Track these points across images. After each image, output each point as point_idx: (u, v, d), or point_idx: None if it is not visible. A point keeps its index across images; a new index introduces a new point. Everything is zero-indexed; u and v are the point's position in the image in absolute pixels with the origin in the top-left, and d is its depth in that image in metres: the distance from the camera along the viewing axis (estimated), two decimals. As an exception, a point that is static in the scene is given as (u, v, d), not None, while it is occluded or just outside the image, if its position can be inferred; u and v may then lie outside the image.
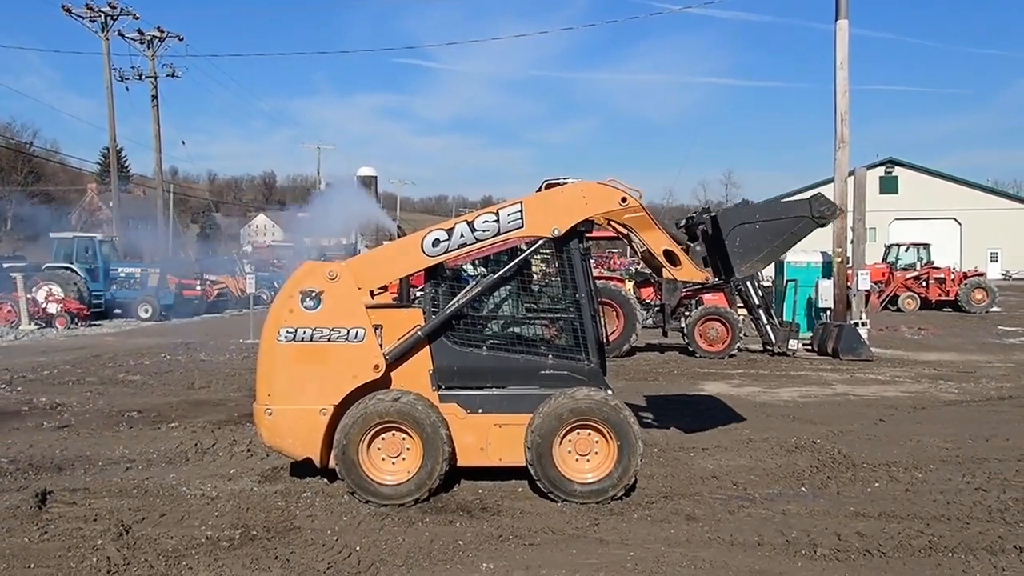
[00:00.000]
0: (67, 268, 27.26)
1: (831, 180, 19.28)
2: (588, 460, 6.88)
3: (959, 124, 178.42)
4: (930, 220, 57.84)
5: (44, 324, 24.34)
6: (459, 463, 7.01)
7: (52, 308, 24.84)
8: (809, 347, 18.13)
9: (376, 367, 6.89)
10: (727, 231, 7.33)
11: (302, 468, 7.53)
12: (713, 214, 7.62)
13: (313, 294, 6.92)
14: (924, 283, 31.67)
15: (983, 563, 5.50)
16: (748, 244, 7.35)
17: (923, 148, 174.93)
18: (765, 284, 19.89)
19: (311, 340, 6.89)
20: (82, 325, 25.10)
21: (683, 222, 8.13)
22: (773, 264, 18.90)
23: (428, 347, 7.09)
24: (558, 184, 7.82)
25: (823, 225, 7.63)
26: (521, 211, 6.99)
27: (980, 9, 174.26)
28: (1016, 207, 61.44)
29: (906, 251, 33.70)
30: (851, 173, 18.72)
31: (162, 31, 41.12)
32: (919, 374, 14.73)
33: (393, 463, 6.88)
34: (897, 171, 61.66)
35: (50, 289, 25.78)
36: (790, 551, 5.74)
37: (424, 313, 7.18)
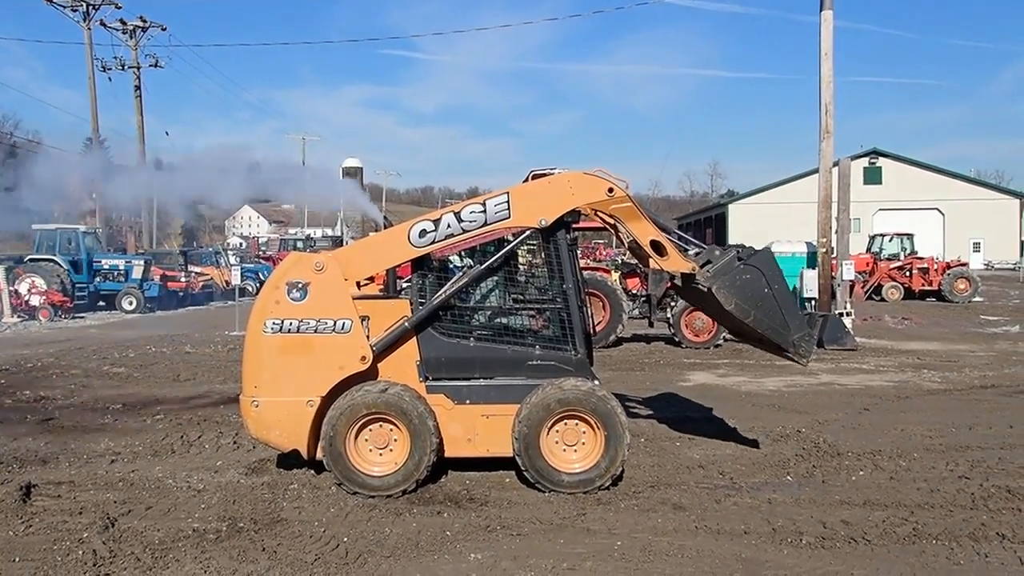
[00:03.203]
0: (50, 260, 27.00)
1: (816, 171, 19.36)
2: (575, 450, 6.90)
3: (942, 115, 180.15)
4: (913, 210, 58.16)
5: (27, 317, 24.15)
6: (446, 454, 7.01)
7: (35, 300, 24.62)
8: (794, 337, 18.19)
9: (363, 358, 6.88)
10: (751, 263, 7.33)
11: (289, 460, 7.51)
12: (764, 248, 7.65)
13: (300, 285, 6.89)
14: (908, 273, 31.84)
15: (966, 550, 5.55)
16: (746, 286, 7.30)
17: (907, 139, 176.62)
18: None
19: (298, 331, 6.86)
20: (65, 317, 24.91)
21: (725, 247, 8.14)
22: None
23: (415, 338, 7.08)
24: (545, 174, 7.79)
25: (785, 355, 7.63)
26: (508, 202, 6.98)
27: (963, 2, 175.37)
28: (998, 197, 61.92)
29: (890, 241, 33.88)
30: (835, 164, 18.80)
31: (145, 21, 40.75)
32: (903, 363, 14.84)
33: (380, 454, 6.88)
34: (881, 162, 61.95)
35: (33, 281, 25.53)
36: (776, 539, 5.78)
37: (411, 304, 7.16)
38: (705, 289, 7.36)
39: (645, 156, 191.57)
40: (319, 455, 6.92)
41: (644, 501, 6.66)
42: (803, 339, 7.49)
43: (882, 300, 30.84)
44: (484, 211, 6.97)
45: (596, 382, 7.08)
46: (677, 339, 17.27)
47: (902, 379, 13.08)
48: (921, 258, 32.90)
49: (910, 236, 34.21)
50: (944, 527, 5.98)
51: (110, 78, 40.37)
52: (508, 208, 6.98)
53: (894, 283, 31.59)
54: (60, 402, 11.19)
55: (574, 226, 7.65)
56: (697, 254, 7.65)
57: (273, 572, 5.25)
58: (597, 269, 19.72)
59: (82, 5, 36.95)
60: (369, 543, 5.74)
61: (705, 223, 74.89)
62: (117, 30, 40.03)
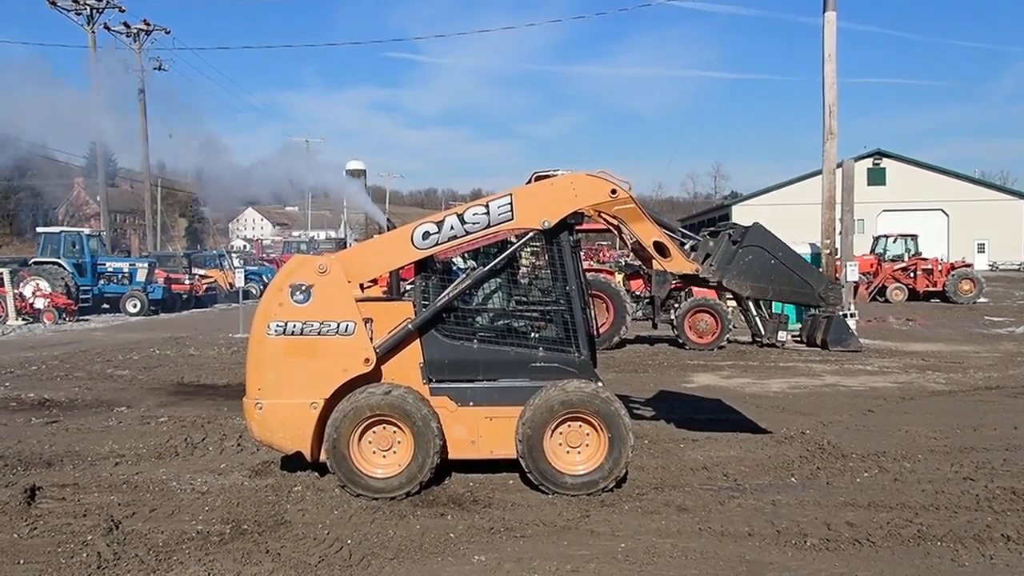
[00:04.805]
0: (55, 263, 27.09)
1: (820, 172, 19.34)
2: (579, 452, 6.89)
3: (946, 116, 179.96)
4: (918, 211, 58.03)
5: (31, 319, 24.20)
6: (450, 456, 7.00)
7: (39, 303, 24.69)
8: (798, 338, 18.19)
9: (367, 360, 6.87)
10: (747, 244, 7.34)
11: (292, 462, 7.51)
12: (750, 225, 7.65)
13: (303, 287, 6.90)
14: (912, 274, 31.79)
15: (971, 552, 5.54)
16: (754, 266, 7.35)
17: (911, 140, 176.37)
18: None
19: (301, 334, 6.86)
20: (70, 320, 24.97)
21: (712, 227, 8.16)
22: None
23: (418, 340, 7.08)
24: (548, 176, 7.79)
25: (818, 307, 7.72)
26: (511, 203, 6.97)
27: (966, 3, 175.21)
28: (1003, 198, 61.74)
29: (894, 242, 33.83)
30: (839, 165, 18.80)
31: (148, 24, 40.82)
32: (907, 365, 14.81)
33: (384, 456, 6.87)
34: (885, 163, 61.80)
35: (37, 284, 25.61)
36: (780, 541, 5.77)
37: (414, 306, 7.16)
38: (714, 284, 7.40)
39: (648, 158, 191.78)
40: (323, 457, 6.91)
41: (648, 503, 6.65)
42: (827, 290, 7.56)
43: (886, 301, 30.80)
44: (487, 213, 6.97)
45: (600, 384, 7.07)
46: (681, 341, 17.26)
47: (906, 380, 13.05)
48: (925, 259, 32.83)
49: (914, 237, 34.15)
50: (949, 529, 5.96)
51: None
52: (511, 210, 6.97)
53: (898, 284, 31.54)
54: (64, 404, 11.21)
55: (577, 227, 7.64)
56: (693, 247, 7.63)
57: (277, 574, 5.26)
58: (600, 271, 19.72)
59: (86, 8, 37.00)
60: (373, 545, 5.74)
61: (709, 224, 74.35)
62: (121, 33, 40.13)
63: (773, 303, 19.13)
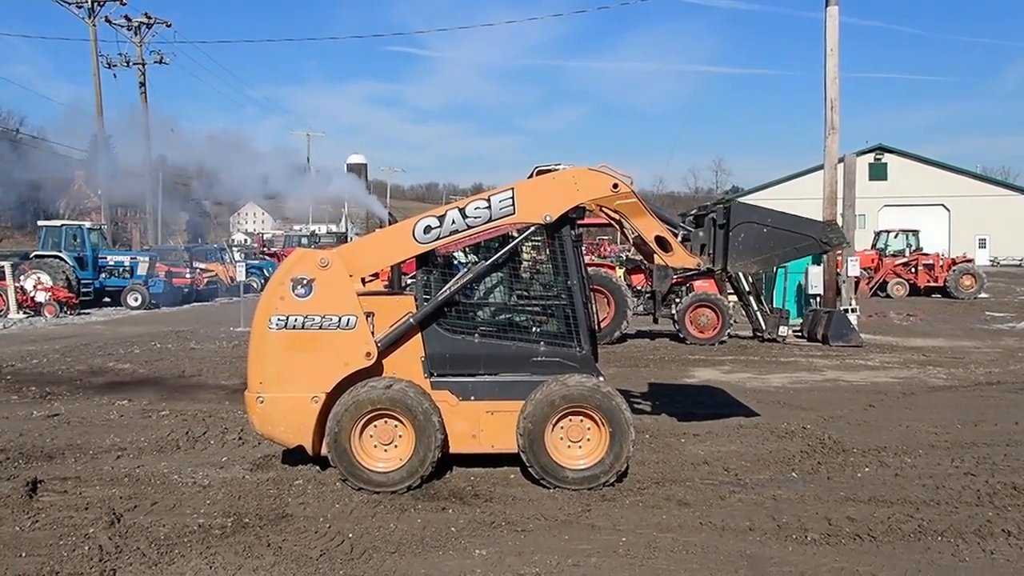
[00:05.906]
0: (56, 256, 27.07)
1: (821, 167, 19.32)
2: (580, 447, 6.89)
3: (948, 111, 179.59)
4: (919, 207, 58.03)
5: (33, 313, 24.20)
6: (451, 450, 7.01)
7: (41, 297, 24.68)
8: (799, 333, 18.18)
9: (368, 354, 6.88)
10: (735, 224, 7.32)
11: (294, 456, 7.52)
12: (727, 204, 7.63)
13: (304, 281, 6.90)
14: (913, 269, 31.77)
15: (972, 547, 5.54)
16: (750, 243, 7.34)
17: (912, 135, 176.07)
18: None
19: (302, 328, 6.87)
20: (71, 314, 24.96)
21: (694, 210, 8.15)
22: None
23: (420, 334, 7.07)
24: (549, 171, 7.78)
25: (826, 252, 7.70)
26: (513, 197, 6.97)
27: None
28: (1004, 194, 61.72)
29: (895, 237, 33.80)
30: (841, 159, 18.77)
31: (149, 17, 40.77)
32: (908, 360, 14.80)
33: (385, 450, 6.88)
34: (886, 158, 61.78)
35: (38, 277, 25.59)
36: (781, 536, 5.77)
37: (416, 300, 7.16)
38: (719, 271, 7.43)
39: (649, 152, 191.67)
40: (324, 451, 6.92)
41: (649, 497, 6.65)
42: (827, 232, 7.56)
43: (887, 296, 30.76)
44: (489, 207, 6.96)
45: (601, 378, 7.07)
46: (681, 335, 17.26)
47: (907, 375, 13.05)
48: (927, 254, 32.81)
49: (915, 232, 34.11)
50: (949, 524, 5.97)
51: (115, 75, 40.59)
52: (513, 204, 6.96)
53: (899, 279, 31.50)
54: (66, 398, 11.22)
55: (579, 222, 7.64)
56: (685, 239, 7.62)
57: (278, 568, 5.27)
58: (602, 265, 19.72)
59: (87, 1, 36.95)
60: (374, 539, 5.75)
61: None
62: (122, 26, 40.08)
63: (774, 298, 19.18)
